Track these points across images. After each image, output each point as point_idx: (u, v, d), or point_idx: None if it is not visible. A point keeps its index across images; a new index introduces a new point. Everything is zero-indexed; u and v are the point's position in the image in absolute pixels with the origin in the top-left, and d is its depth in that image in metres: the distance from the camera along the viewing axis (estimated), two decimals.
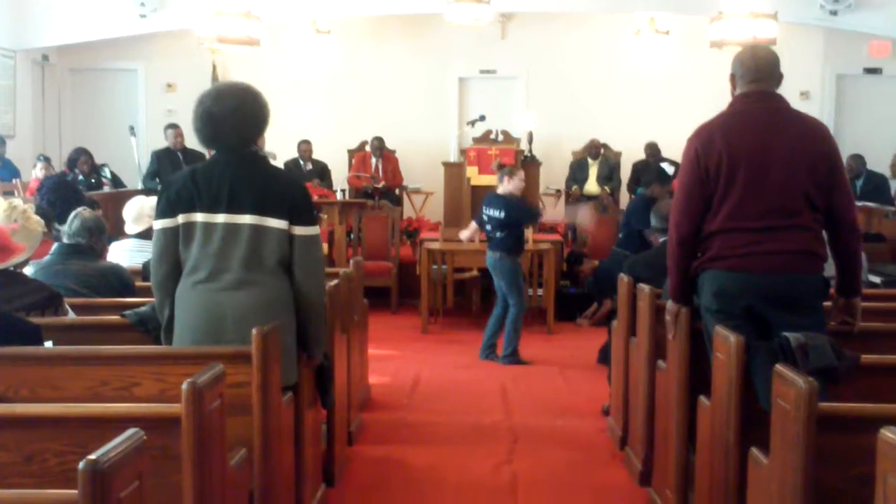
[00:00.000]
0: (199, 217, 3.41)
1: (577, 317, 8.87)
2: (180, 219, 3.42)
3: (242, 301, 3.41)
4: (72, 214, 4.81)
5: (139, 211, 5.52)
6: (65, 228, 4.80)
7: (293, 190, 3.50)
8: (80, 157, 10.40)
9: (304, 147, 11.67)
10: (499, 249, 7.26)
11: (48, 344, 3.47)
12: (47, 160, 10.02)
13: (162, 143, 10.77)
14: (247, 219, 3.40)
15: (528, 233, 7.67)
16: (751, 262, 3.51)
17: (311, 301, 3.54)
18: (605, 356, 7.14)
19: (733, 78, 3.70)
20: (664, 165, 7.56)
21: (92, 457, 1.94)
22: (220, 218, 3.40)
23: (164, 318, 3.55)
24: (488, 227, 7.33)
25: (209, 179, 3.43)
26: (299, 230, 3.46)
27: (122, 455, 2.01)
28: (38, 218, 4.32)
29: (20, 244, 3.79)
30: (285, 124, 12.23)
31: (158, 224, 3.48)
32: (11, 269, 3.83)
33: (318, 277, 3.55)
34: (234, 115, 3.44)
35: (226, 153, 3.49)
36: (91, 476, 1.92)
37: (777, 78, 3.67)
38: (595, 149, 11.61)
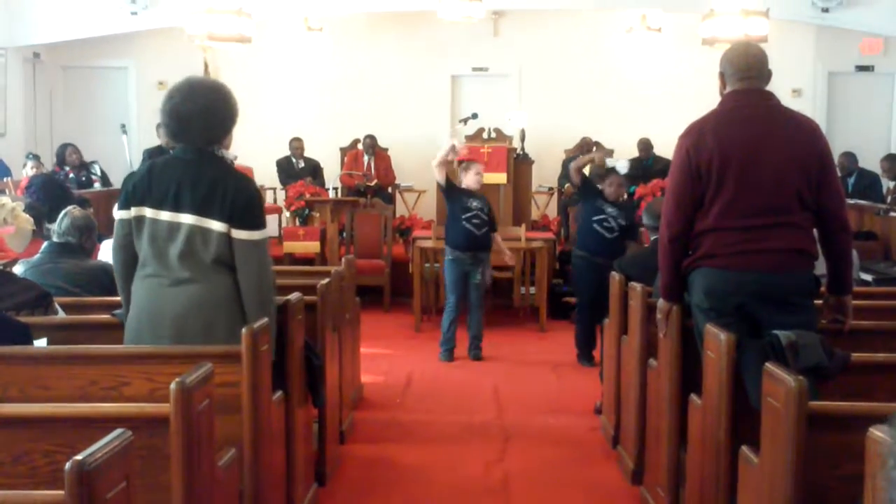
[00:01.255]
0: (148, 212, 3.42)
1: (569, 315, 8.86)
2: (133, 211, 3.44)
3: (179, 299, 3.41)
4: (62, 213, 4.80)
5: None
6: (54, 227, 4.79)
7: (239, 193, 3.43)
8: (67, 149, 10.40)
9: (296, 144, 11.65)
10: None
11: (42, 342, 3.46)
12: (37, 158, 9.99)
13: (153, 141, 10.73)
14: (188, 218, 3.39)
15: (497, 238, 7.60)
16: (742, 261, 3.51)
17: (251, 304, 3.46)
18: (583, 354, 7.18)
19: (723, 76, 3.70)
20: (618, 164, 7.53)
21: (78, 457, 1.93)
22: (165, 215, 3.41)
23: (124, 310, 3.58)
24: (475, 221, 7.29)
25: (162, 175, 3.44)
26: (239, 234, 3.41)
27: (108, 455, 2.00)
28: (27, 216, 4.32)
29: (12, 249, 3.78)
30: (277, 122, 12.26)
31: (116, 214, 3.50)
32: (0, 268, 3.81)
33: (259, 281, 3.46)
34: (201, 115, 3.43)
35: (185, 151, 3.48)
36: (77, 476, 1.91)
37: (767, 75, 3.67)
38: (587, 147, 11.61)
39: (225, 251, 3.42)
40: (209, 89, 3.52)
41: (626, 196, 7.29)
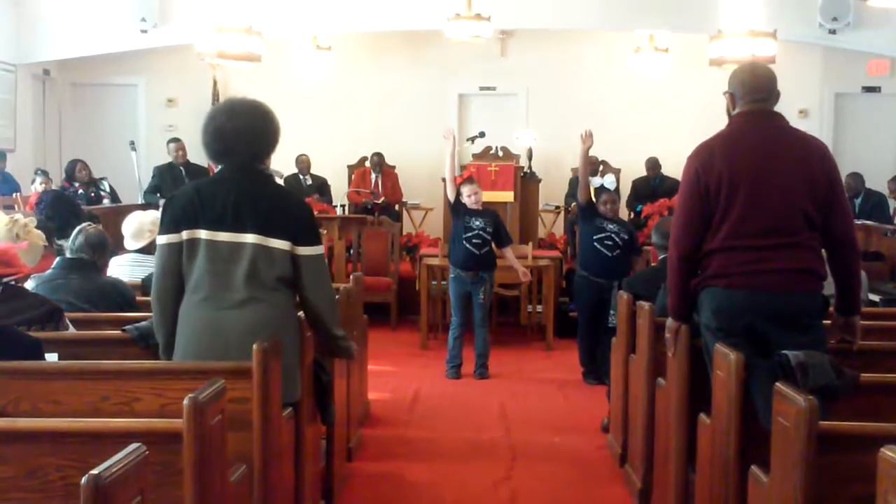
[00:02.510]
0: (203, 234, 3.41)
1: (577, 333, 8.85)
2: (184, 234, 3.42)
3: (244, 320, 3.40)
4: (76, 230, 4.81)
5: (139, 227, 5.50)
6: (67, 243, 4.80)
7: (298, 210, 3.51)
8: (77, 165, 10.45)
9: (303, 160, 11.71)
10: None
11: (54, 357, 3.47)
12: (45, 174, 10.04)
13: (162, 158, 10.79)
14: (249, 238, 3.40)
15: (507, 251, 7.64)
16: (751, 281, 3.52)
17: (322, 318, 3.58)
18: (588, 372, 7.20)
19: (732, 96, 3.71)
20: (605, 181, 7.56)
21: (94, 472, 1.94)
22: (224, 236, 3.40)
23: (163, 335, 3.54)
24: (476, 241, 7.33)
25: (214, 196, 3.43)
26: (303, 250, 3.46)
27: (124, 470, 2.01)
28: (39, 232, 4.33)
29: (25, 264, 3.79)
30: (285, 140, 12.18)
31: (162, 239, 3.47)
32: (13, 283, 3.83)
33: (326, 294, 3.57)
34: (246, 132, 3.45)
35: (232, 170, 3.49)
36: (94, 491, 1.92)
37: (776, 96, 3.69)
38: (594, 166, 11.63)
39: (287, 269, 3.45)
40: (251, 107, 3.53)
41: (618, 208, 7.32)
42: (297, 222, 3.46)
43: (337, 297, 4.78)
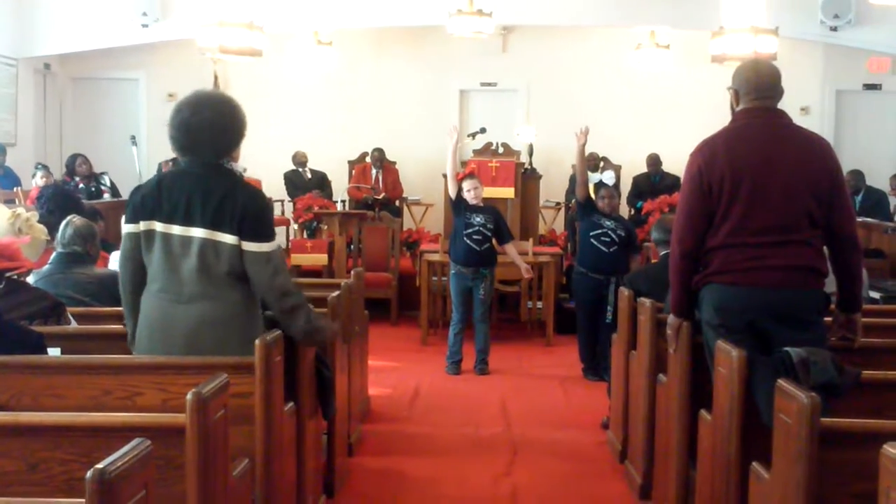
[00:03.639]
0: (158, 227, 3.41)
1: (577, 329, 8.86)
2: (142, 225, 3.43)
3: (192, 315, 3.40)
4: (63, 223, 4.80)
5: None
6: (58, 237, 4.78)
7: (247, 205, 3.41)
8: (77, 159, 10.44)
9: (299, 156, 11.73)
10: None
11: (56, 351, 3.47)
12: (46, 168, 10.03)
13: (163, 152, 10.75)
14: (198, 232, 3.38)
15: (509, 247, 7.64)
16: (752, 277, 3.53)
17: (276, 309, 3.52)
18: (588, 368, 7.21)
19: (736, 93, 3.71)
20: (604, 177, 7.54)
21: (100, 466, 1.95)
22: (176, 230, 3.39)
23: (129, 325, 3.57)
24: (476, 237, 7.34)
25: (172, 189, 3.42)
26: (249, 246, 3.40)
27: (129, 464, 2.02)
28: (41, 226, 4.34)
29: (27, 259, 3.79)
30: (286, 135, 12.30)
31: (124, 228, 3.50)
32: (14, 277, 3.84)
33: (275, 289, 3.45)
34: (211, 127, 3.42)
35: (194, 164, 3.47)
36: (98, 485, 1.92)
37: (779, 93, 3.69)
38: (594, 162, 11.63)
39: (237, 264, 3.40)
40: (217, 102, 3.52)
41: (617, 204, 7.30)
42: (244, 216, 3.38)
43: (338, 293, 4.82)
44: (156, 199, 3.41)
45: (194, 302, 3.40)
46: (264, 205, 3.55)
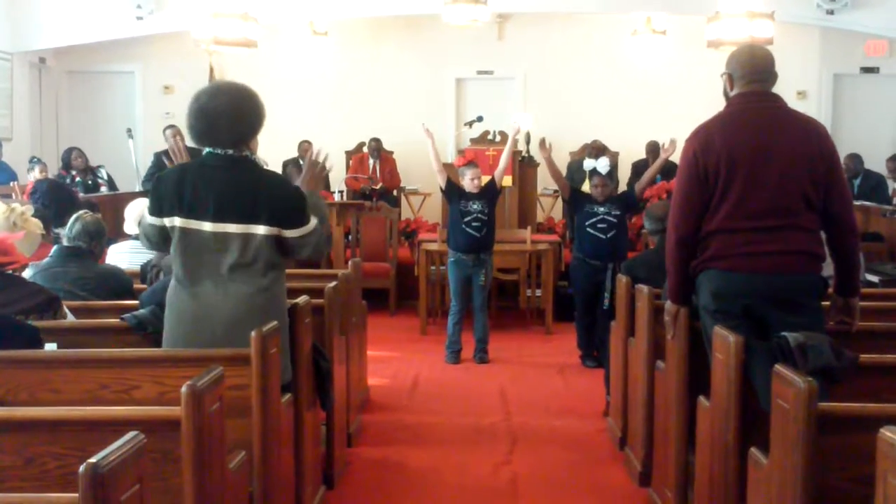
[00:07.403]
0: (182, 221, 3.43)
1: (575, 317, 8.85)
2: (166, 220, 3.46)
3: (231, 307, 3.42)
4: (73, 217, 4.80)
5: (142, 213, 5.50)
6: (64, 231, 4.79)
7: (281, 194, 3.48)
8: (73, 153, 10.42)
9: (305, 146, 11.70)
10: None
11: (52, 346, 3.46)
12: (41, 162, 10.01)
13: (159, 145, 10.73)
14: (234, 227, 3.40)
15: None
16: (749, 262, 3.52)
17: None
18: (585, 355, 7.21)
19: (730, 77, 3.69)
20: (598, 164, 7.49)
21: (92, 460, 1.94)
22: (207, 226, 3.41)
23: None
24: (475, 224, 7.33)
25: (196, 184, 3.43)
26: (291, 233, 3.48)
27: (122, 458, 2.01)
28: (36, 220, 4.33)
29: (22, 253, 3.79)
30: (282, 126, 12.24)
31: (148, 219, 3.52)
32: (10, 272, 3.82)
33: (321, 253, 3.65)
34: (228, 112, 3.43)
35: (216, 157, 3.47)
36: (92, 479, 1.92)
37: (774, 78, 3.67)
38: (596, 150, 11.59)
39: (273, 253, 3.47)
40: (234, 88, 3.53)
41: (610, 191, 7.27)
42: (279, 208, 3.44)
43: (336, 284, 4.81)
44: (180, 192, 3.43)
45: (230, 294, 3.42)
46: (293, 192, 3.57)
